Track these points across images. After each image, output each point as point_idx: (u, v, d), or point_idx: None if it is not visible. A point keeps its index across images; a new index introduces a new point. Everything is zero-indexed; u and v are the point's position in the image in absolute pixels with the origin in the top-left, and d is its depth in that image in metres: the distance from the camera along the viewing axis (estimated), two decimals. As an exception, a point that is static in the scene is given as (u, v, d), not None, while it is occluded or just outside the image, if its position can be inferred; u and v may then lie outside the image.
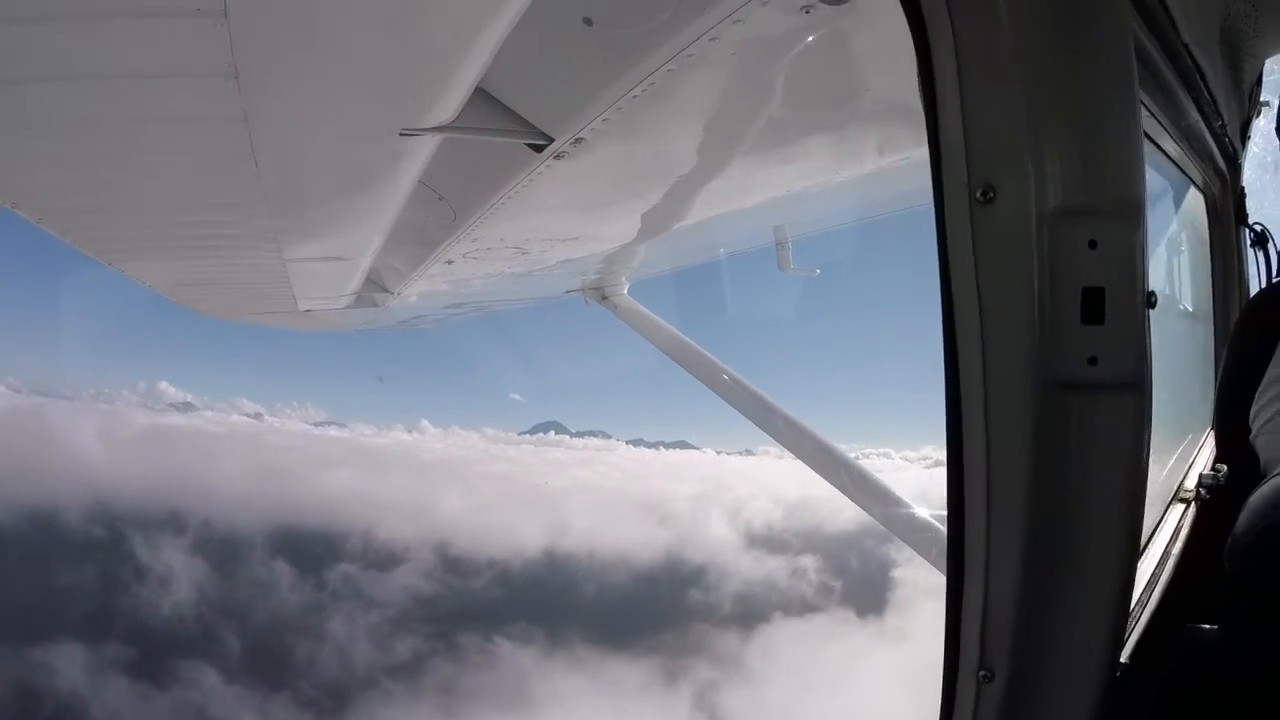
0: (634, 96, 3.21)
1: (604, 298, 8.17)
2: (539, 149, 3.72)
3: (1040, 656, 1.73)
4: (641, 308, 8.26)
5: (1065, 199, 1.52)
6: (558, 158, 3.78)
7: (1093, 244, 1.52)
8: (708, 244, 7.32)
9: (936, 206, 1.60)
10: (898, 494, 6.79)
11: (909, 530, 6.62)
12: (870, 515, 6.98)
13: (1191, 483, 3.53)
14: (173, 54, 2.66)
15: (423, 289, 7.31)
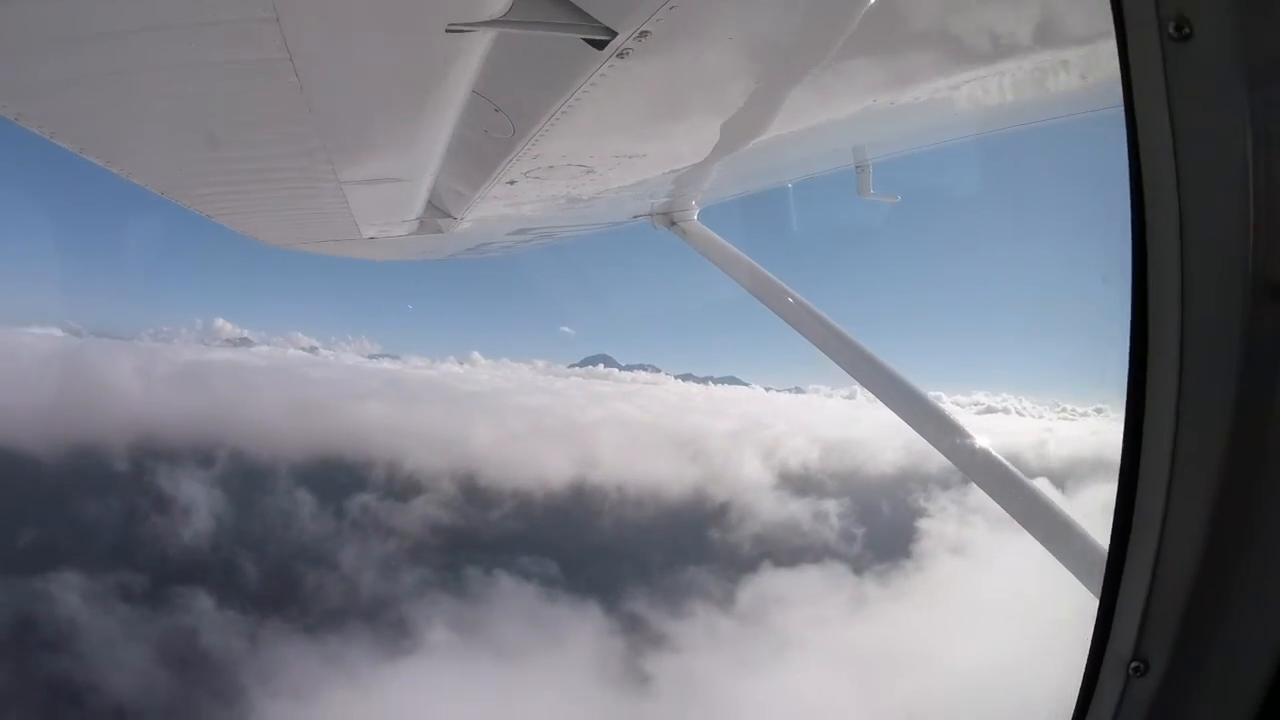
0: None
1: (672, 223, 7.78)
2: (600, 45, 3.34)
3: (1211, 649, 1.40)
4: (712, 233, 7.84)
5: None
6: (621, 56, 3.40)
7: None
8: (782, 165, 6.80)
9: (1120, 48, 1.20)
10: (980, 441, 6.23)
11: (988, 478, 6.13)
12: (948, 459, 6.50)
13: None
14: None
15: (486, 213, 7.05)
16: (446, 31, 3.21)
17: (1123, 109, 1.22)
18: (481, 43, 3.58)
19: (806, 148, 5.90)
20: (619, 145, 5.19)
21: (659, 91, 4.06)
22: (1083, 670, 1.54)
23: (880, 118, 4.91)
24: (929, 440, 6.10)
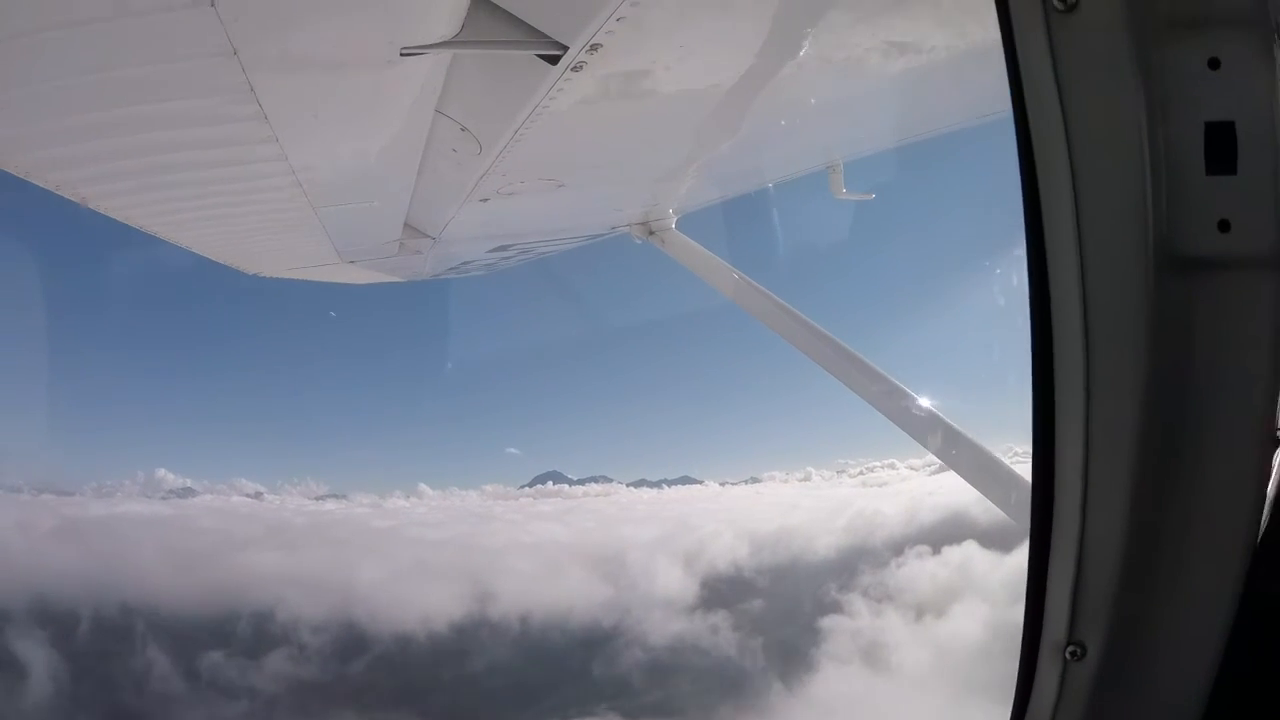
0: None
1: (650, 233, 7.80)
2: (553, 60, 3.38)
3: (1149, 628, 1.41)
4: (691, 241, 7.87)
5: (1172, 3, 1.14)
6: (575, 70, 3.44)
7: (1214, 63, 1.14)
8: (753, 169, 6.85)
9: (1001, 20, 1.22)
10: (956, 427, 6.17)
11: (979, 474, 6.12)
12: (936, 455, 6.48)
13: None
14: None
15: (463, 232, 7.09)
16: (401, 55, 3.26)
17: (1008, 88, 1.25)
18: (439, 64, 3.63)
19: (772, 150, 5.95)
20: (586, 158, 5.24)
21: (618, 102, 4.11)
22: (1018, 659, 1.55)
23: (841, 116, 4.97)
24: (912, 435, 6.13)
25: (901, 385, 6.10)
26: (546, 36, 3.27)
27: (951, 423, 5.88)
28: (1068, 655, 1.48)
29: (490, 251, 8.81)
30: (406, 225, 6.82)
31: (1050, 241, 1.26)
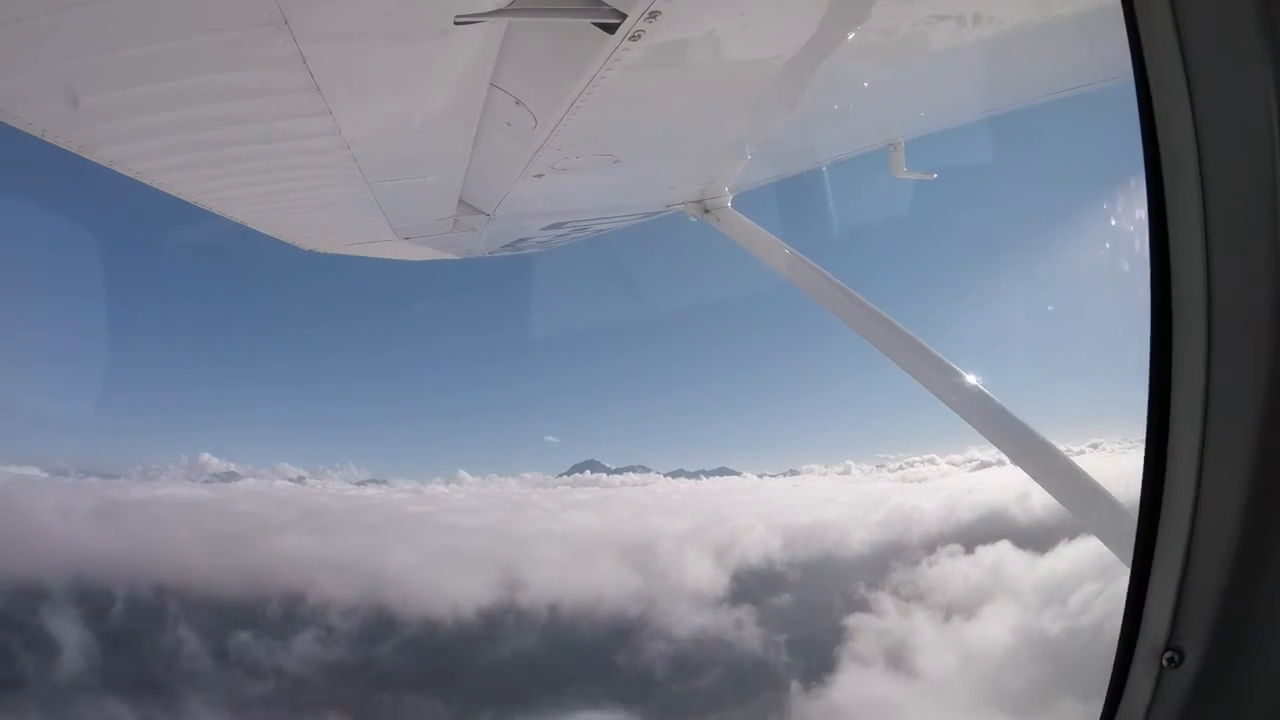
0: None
1: (706, 211, 7.66)
2: (610, 29, 3.27)
3: (1254, 637, 1.28)
4: (747, 220, 7.70)
5: None
6: (633, 39, 3.32)
7: None
8: (811, 145, 6.63)
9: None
10: (1033, 427, 5.84)
11: (1026, 456, 5.82)
12: (1000, 449, 6.21)
13: None
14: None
15: (517, 208, 7.04)
16: (455, 23, 3.18)
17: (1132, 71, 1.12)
18: (493, 34, 3.55)
19: (832, 126, 5.74)
20: (642, 132, 5.12)
21: (676, 74, 3.98)
22: (1112, 662, 1.44)
23: (913, 90, 4.76)
24: (975, 427, 5.88)
25: (966, 374, 5.87)
26: (604, 4, 3.16)
27: (1022, 419, 5.63)
28: (1164, 661, 1.39)
29: (545, 229, 8.77)
30: (461, 201, 6.80)
31: (1174, 229, 1.13)
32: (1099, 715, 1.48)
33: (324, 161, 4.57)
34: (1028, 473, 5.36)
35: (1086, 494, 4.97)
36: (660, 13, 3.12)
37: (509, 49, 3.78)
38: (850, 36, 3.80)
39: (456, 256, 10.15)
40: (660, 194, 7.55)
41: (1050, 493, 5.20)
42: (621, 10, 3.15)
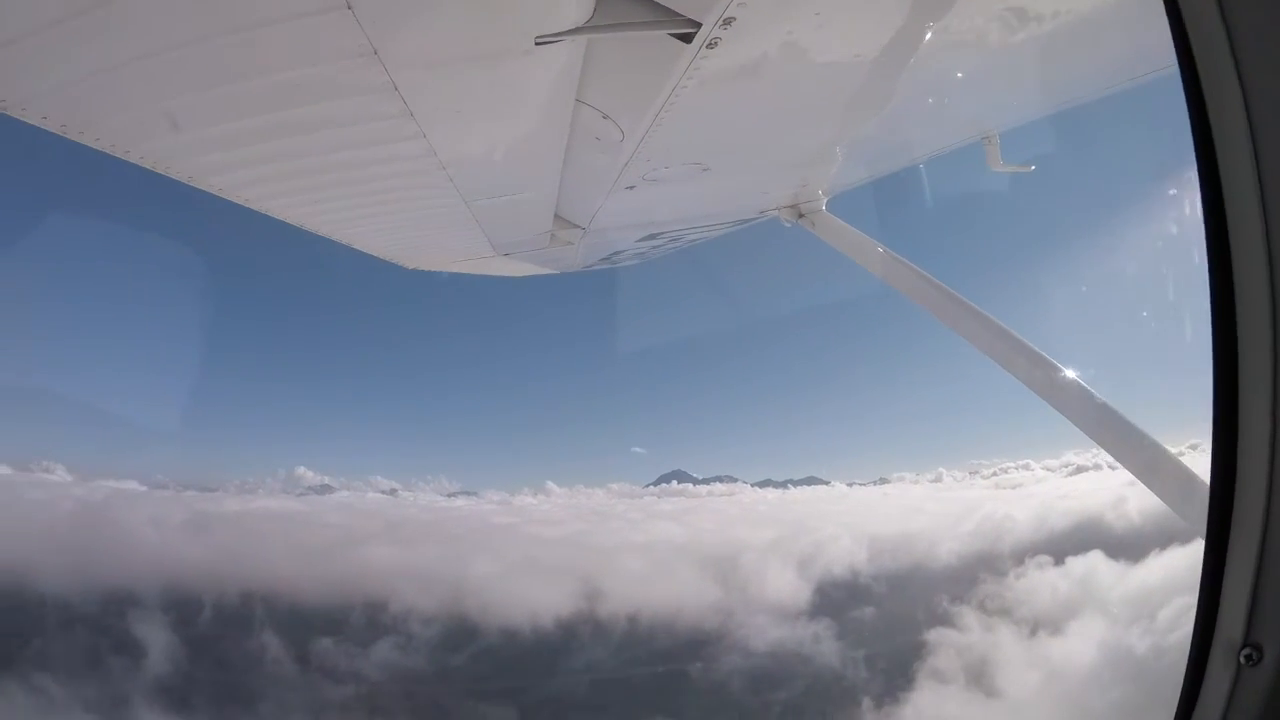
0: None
1: (800, 215, 7.58)
2: (687, 39, 3.32)
3: None
4: (842, 223, 7.58)
5: None
6: (710, 46, 3.36)
7: None
8: (901, 143, 6.47)
9: None
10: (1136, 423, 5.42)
11: (1148, 469, 5.39)
12: (1105, 449, 5.80)
13: None
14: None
15: (612, 221, 7.17)
16: (536, 44, 3.30)
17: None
18: (574, 52, 3.66)
19: (925, 121, 5.59)
20: (729, 139, 5.13)
21: (757, 79, 3.98)
22: (1186, 659, 1.36)
23: (996, 81, 4.60)
24: (1081, 428, 5.55)
25: (1068, 371, 5.58)
26: (678, 14, 3.21)
27: (1124, 414, 5.32)
28: (1242, 659, 1.32)
29: (640, 240, 8.88)
30: (557, 216, 6.98)
31: (1232, 219, 1.09)
32: (1173, 717, 1.40)
33: (422, 183, 4.80)
34: (1133, 473, 5.06)
35: (1192, 492, 4.66)
36: (735, 19, 3.15)
37: (591, 65, 3.87)
38: (931, 27, 3.72)
39: (555, 271, 10.40)
40: (753, 200, 7.53)
41: (1156, 493, 4.90)
42: (696, 20, 3.19)
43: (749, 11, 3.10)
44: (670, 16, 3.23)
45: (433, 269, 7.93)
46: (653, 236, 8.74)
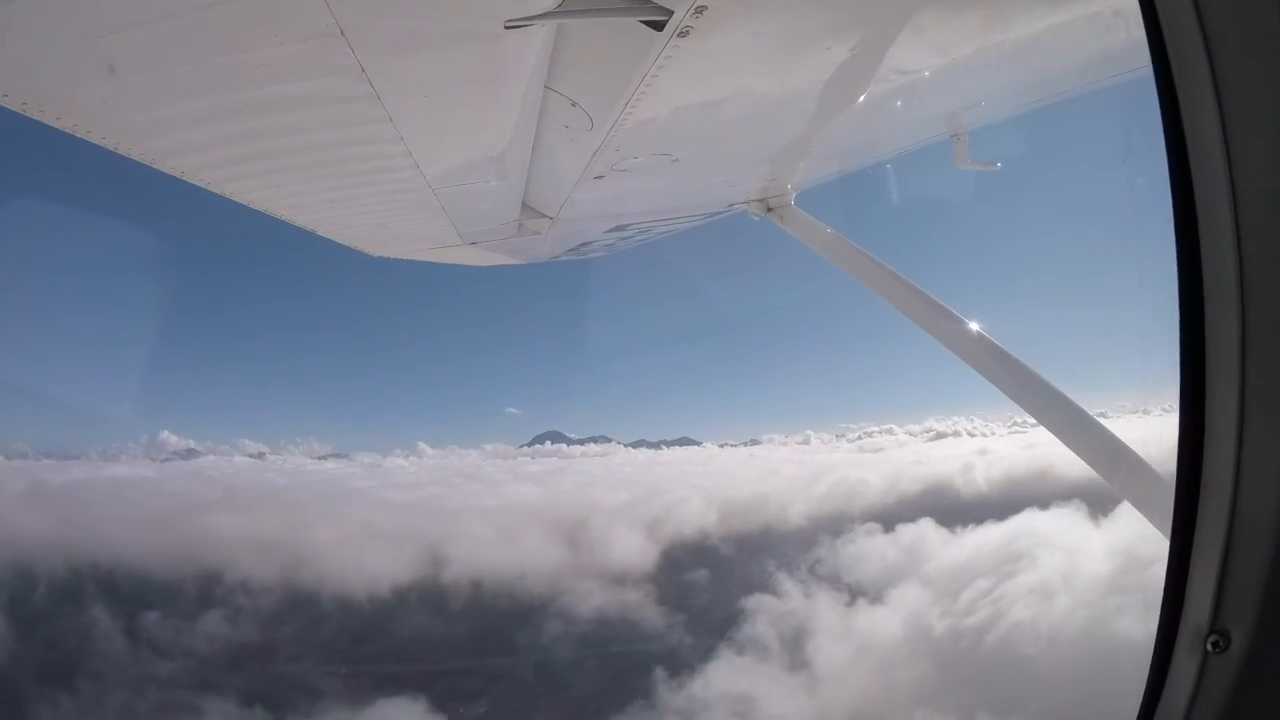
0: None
1: (769, 209, 7.60)
2: (659, 26, 3.29)
3: None
4: (811, 218, 7.60)
5: None
6: (682, 35, 3.34)
7: None
8: (871, 139, 6.51)
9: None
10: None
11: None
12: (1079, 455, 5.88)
13: None
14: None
15: (580, 211, 7.12)
16: (506, 28, 3.25)
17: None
18: (545, 37, 3.61)
19: (894, 117, 5.62)
20: (699, 131, 5.11)
21: (729, 70, 3.97)
22: (1153, 647, 1.37)
23: (974, 77, 4.64)
24: (1067, 443, 5.58)
25: (1044, 375, 5.66)
26: (650, 1, 3.18)
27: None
28: (1209, 646, 1.33)
29: (608, 231, 8.84)
30: (525, 205, 6.92)
31: (1203, 219, 1.09)
32: (1138, 706, 1.42)
33: (388, 168, 4.72)
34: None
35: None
36: (707, 7, 3.13)
37: (561, 51, 3.83)
38: (902, 24, 3.73)
39: (523, 261, 10.32)
40: (722, 193, 7.53)
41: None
42: (669, 7, 3.16)
43: (721, 1, 3.09)
44: (642, 3, 3.20)
45: (397, 256, 7.82)
46: (621, 228, 8.71)
